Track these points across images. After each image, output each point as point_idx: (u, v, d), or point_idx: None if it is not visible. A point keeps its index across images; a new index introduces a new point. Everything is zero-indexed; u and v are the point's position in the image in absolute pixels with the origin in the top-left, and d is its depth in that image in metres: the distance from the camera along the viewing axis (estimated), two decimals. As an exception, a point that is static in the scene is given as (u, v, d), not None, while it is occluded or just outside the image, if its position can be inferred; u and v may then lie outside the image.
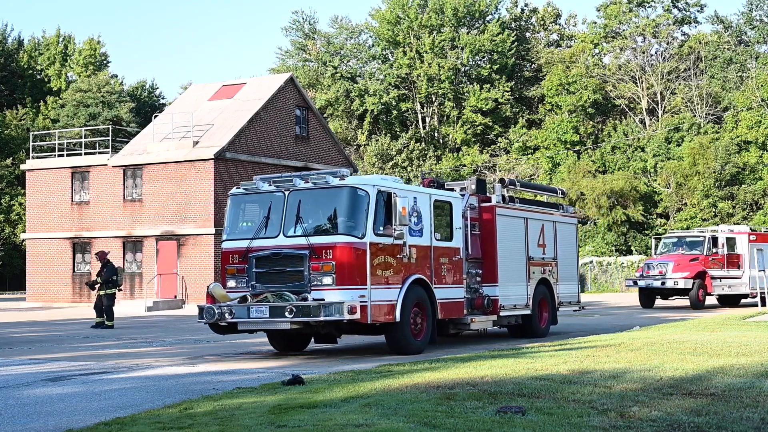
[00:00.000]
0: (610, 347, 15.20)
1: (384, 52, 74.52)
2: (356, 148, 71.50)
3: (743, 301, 36.44)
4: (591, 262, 56.02)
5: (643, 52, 69.11)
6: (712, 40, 68.30)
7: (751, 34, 68.51)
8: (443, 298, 16.73)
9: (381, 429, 7.91)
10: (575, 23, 78.83)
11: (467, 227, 18.03)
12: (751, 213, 59.97)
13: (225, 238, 16.34)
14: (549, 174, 66.03)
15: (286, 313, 14.69)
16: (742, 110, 61.95)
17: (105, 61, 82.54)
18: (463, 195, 18.33)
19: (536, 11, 77.06)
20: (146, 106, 76.88)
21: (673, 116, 66.22)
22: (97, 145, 56.84)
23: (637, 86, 67.96)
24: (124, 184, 41.10)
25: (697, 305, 32.59)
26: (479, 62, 72.35)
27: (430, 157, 65.85)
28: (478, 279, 18.35)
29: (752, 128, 61.14)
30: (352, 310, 14.70)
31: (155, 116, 45.95)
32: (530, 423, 8.05)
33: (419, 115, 73.29)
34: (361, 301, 14.90)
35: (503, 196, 19.55)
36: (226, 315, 15.29)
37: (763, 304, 32.34)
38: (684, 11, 70.83)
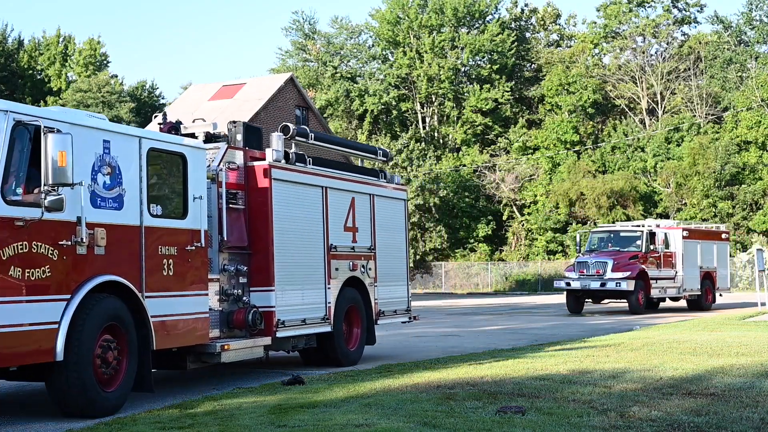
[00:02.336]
0: (610, 347, 15.21)
1: (384, 52, 74.49)
2: (356, 148, 71.39)
3: (662, 305, 33.96)
4: (591, 262, 55.97)
5: (643, 52, 69.11)
6: (712, 40, 68.29)
7: (751, 34, 68.50)
8: (164, 314, 10.33)
9: (381, 429, 7.91)
10: (575, 23, 78.83)
11: (223, 198, 11.83)
12: (751, 213, 59.98)
13: None
14: (549, 174, 66.05)
15: None
16: (742, 110, 61.94)
17: (105, 61, 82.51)
18: (216, 146, 12.43)
19: (536, 11, 77.04)
20: (146, 106, 76.87)
21: (673, 116, 66.22)
22: (97, 145, 56.77)
23: (637, 86, 67.96)
24: (124, 184, 41.05)
25: (637, 309, 29.83)
26: (479, 62, 72.33)
27: (430, 157, 65.85)
28: (242, 281, 12.16)
29: (752, 128, 61.13)
30: None
31: (155, 116, 45.91)
32: (530, 423, 8.05)
33: (419, 115, 73.27)
34: None
35: (287, 153, 13.14)
36: None
37: (700, 308, 31.96)
38: (684, 11, 70.83)
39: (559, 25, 78.12)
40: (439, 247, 65.12)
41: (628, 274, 29.41)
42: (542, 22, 77.21)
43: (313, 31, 77.41)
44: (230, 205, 12.03)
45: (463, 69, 72.23)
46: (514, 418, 8.28)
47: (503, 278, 61.64)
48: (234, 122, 12.55)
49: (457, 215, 67.44)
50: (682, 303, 34.09)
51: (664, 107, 67.28)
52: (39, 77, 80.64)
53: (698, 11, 71.04)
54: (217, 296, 11.70)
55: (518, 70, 74.21)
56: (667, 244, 31.28)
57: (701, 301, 32.74)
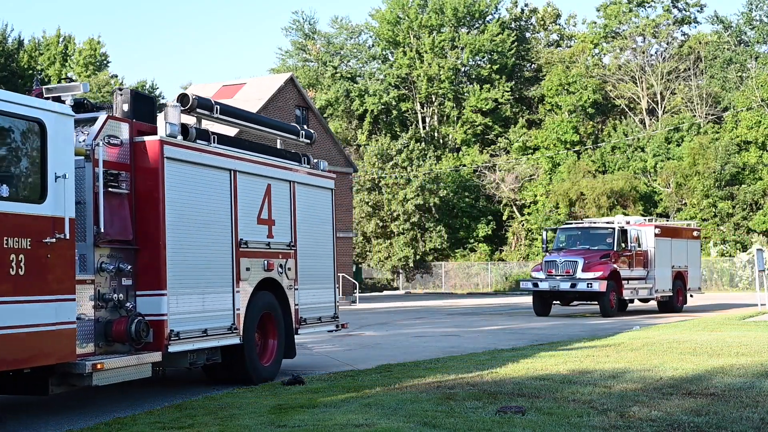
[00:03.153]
0: (610, 347, 15.21)
1: (384, 52, 74.51)
2: (356, 148, 71.47)
3: (631, 306, 32.47)
4: (591, 262, 55.98)
5: (643, 52, 69.12)
6: (712, 40, 68.30)
7: (751, 34, 68.50)
8: (4, 325, 8.17)
9: (381, 429, 7.91)
10: (575, 23, 78.85)
11: (101, 180, 9.69)
12: (751, 213, 59.98)
13: None
14: (549, 174, 66.06)
15: None
16: (742, 110, 61.94)
17: (105, 61, 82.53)
18: (93, 116, 10.32)
19: (536, 11, 77.05)
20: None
21: (673, 116, 66.23)
22: (97, 145, 56.82)
23: (637, 86, 67.97)
24: (124, 184, 41.04)
25: (609, 312, 27.94)
26: (479, 62, 72.34)
27: (430, 157, 65.87)
28: (126, 283, 10.03)
29: (752, 128, 61.14)
30: None
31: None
32: (530, 423, 8.05)
33: (419, 115, 73.28)
34: None
35: (185, 127, 11.13)
36: None
37: (672, 309, 30.60)
38: (684, 11, 70.83)
39: (559, 25, 78.13)
40: (439, 247, 65.12)
41: (599, 274, 27.67)
42: (542, 22, 77.21)
43: (313, 31, 77.43)
44: (110, 189, 9.78)
45: (463, 69, 72.24)
46: (514, 418, 8.28)
47: (503, 278, 61.64)
48: (120, 88, 10.55)
49: (457, 215, 67.44)
50: (652, 304, 32.62)
51: (664, 107, 67.28)
52: (39, 77, 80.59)
53: (698, 11, 71.13)
54: (92, 302, 9.48)
55: (518, 70, 74.21)
56: (639, 243, 29.69)
57: (673, 303, 31.14)
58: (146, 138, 10.33)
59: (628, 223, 30.79)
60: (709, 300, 38.59)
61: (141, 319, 9.81)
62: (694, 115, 65.50)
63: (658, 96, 67.22)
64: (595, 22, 72.00)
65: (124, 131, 10.20)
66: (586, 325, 24.52)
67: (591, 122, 68.40)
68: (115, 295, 9.80)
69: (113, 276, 9.81)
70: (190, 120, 11.63)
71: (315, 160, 14.14)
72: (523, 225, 66.32)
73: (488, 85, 70.07)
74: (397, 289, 64.61)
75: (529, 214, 65.64)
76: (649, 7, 70.02)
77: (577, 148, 66.28)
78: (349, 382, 11.22)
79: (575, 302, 29.59)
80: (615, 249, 28.63)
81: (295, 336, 12.98)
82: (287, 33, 78.37)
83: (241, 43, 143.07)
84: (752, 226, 58.80)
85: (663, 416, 8.38)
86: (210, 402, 9.94)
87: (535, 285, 28.75)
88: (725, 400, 9.21)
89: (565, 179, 62.84)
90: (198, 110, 11.64)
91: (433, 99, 72.15)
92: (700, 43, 68.33)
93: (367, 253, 65.73)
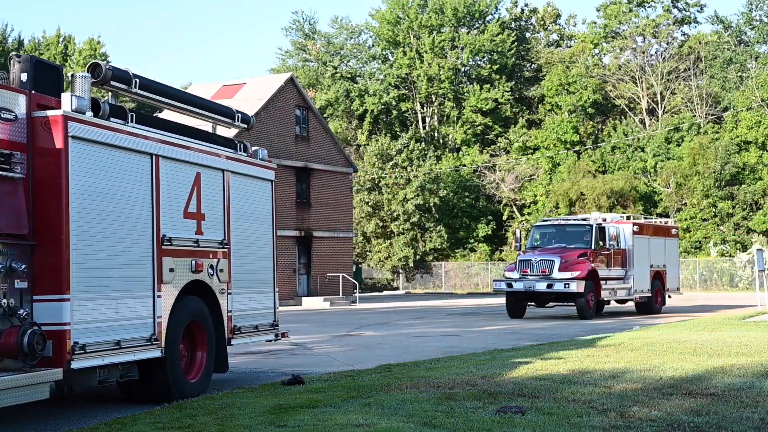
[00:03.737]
0: (610, 347, 15.20)
1: (384, 52, 74.52)
2: (356, 148, 71.50)
3: (607, 308, 30.69)
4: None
5: (643, 52, 69.12)
6: (712, 40, 68.32)
7: (751, 34, 68.52)
8: None
9: (381, 429, 7.91)
10: (575, 23, 78.90)
11: None
12: (751, 213, 59.99)
13: None
14: (549, 174, 66.07)
15: None
16: (742, 110, 61.95)
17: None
18: None
19: (536, 11, 77.07)
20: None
21: (673, 116, 66.24)
22: (97, 145, 56.82)
23: (637, 86, 67.98)
24: (123, 184, 41.05)
25: (587, 314, 26.53)
26: (479, 62, 72.36)
27: (430, 157, 65.89)
28: (19, 285, 8.51)
29: (752, 128, 61.15)
30: None
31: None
32: (530, 423, 8.05)
33: (419, 115, 73.29)
34: None
35: (96, 103, 9.65)
36: None
37: (650, 311, 29.60)
38: (684, 11, 70.84)
39: (559, 25, 78.15)
40: (439, 247, 65.13)
41: (577, 273, 26.20)
42: (542, 22, 77.22)
43: (313, 31, 77.44)
44: (0, 173, 8.28)
45: (463, 69, 72.25)
46: (514, 418, 8.28)
47: (503, 278, 61.61)
48: (18, 54, 9.11)
49: (457, 215, 67.45)
50: (629, 306, 31.43)
51: (664, 107, 67.29)
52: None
53: (698, 11, 71.13)
54: None
55: (518, 70, 74.22)
56: (617, 241, 28.24)
57: (651, 304, 29.91)
58: (48, 113, 8.71)
59: (605, 220, 29.28)
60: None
61: (36, 329, 8.14)
62: (694, 115, 65.51)
63: (658, 96, 67.23)
64: (595, 22, 72.03)
65: (19, 104, 8.57)
66: (587, 325, 24.51)
67: (591, 122, 68.41)
68: (5, 300, 8.17)
69: (3, 277, 8.21)
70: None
71: (254, 148, 12.62)
72: (523, 225, 66.34)
73: (488, 85, 70.08)
74: (397, 289, 64.63)
75: (529, 214, 65.65)
76: (649, 7, 70.03)
77: (577, 148, 66.29)
78: (349, 382, 11.21)
79: (551, 303, 27.95)
80: (593, 247, 27.24)
81: (229, 347, 11.48)
82: (287, 33, 78.46)
83: (241, 43, 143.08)
84: (752, 226, 58.81)
85: (663, 416, 8.38)
86: (210, 402, 9.94)
87: (509, 285, 27.22)
88: (725, 400, 9.21)
89: (565, 179, 62.85)
90: (113, 83, 10.10)
91: (433, 99, 72.16)
92: (700, 43, 68.34)
93: (367, 253, 65.75)
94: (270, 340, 13.01)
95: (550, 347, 16.02)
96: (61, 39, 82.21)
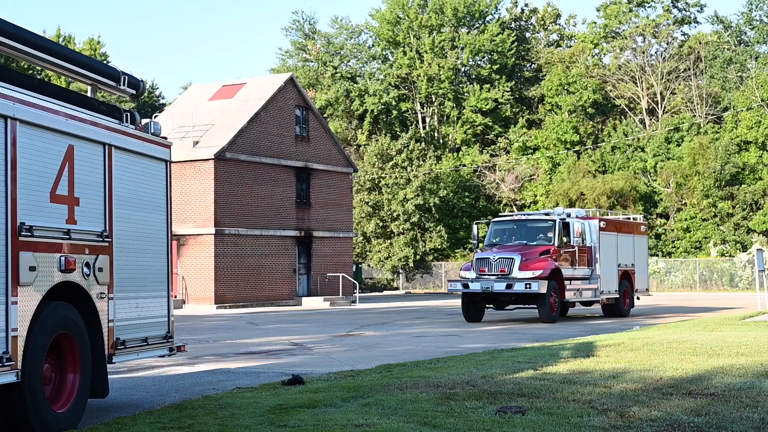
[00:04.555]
0: (610, 347, 15.20)
1: (384, 52, 74.51)
2: (356, 148, 71.50)
3: (571, 310, 29.38)
4: (591, 262, 55.98)
5: (643, 52, 69.12)
6: (712, 40, 68.32)
7: (751, 34, 68.52)
8: None
9: (381, 429, 7.91)
10: (575, 23, 78.88)
11: None
12: (751, 213, 59.99)
13: None
14: (549, 174, 66.07)
15: None
16: (742, 110, 61.95)
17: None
18: None
19: (536, 11, 77.07)
20: (146, 106, 76.89)
21: (673, 116, 66.24)
22: (97, 145, 56.81)
23: (637, 86, 67.97)
24: (123, 184, 41.05)
25: (549, 317, 24.52)
26: (479, 62, 72.36)
27: (430, 157, 65.88)
28: None
29: (752, 128, 61.16)
30: None
31: (155, 116, 45.97)
32: (530, 423, 8.05)
33: (419, 115, 73.29)
34: None
35: None
36: None
37: (614, 313, 28.08)
38: (684, 11, 70.83)
39: (559, 25, 78.14)
40: (439, 247, 65.11)
41: (539, 272, 24.13)
42: (542, 22, 77.22)
43: (313, 31, 77.41)
44: None
45: (463, 69, 72.24)
46: (514, 418, 8.28)
47: (503, 278, 61.62)
48: None
49: (457, 215, 67.44)
50: (596, 308, 29.80)
51: (664, 107, 67.29)
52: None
53: (698, 11, 71.10)
54: None
55: (518, 70, 74.22)
56: (583, 237, 26.23)
57: (619, 306, 28.11)
58: None
59: (569, 215, 26.88)
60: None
61: None
62: (694, 115, 65.51)
63: (658, 96, 67.22)
64: (595, 22, 72.02)
65: None
66: (587, 325, 24.52)
67: (591, 122, 68.40)
68: None
69: None
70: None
71: (145, 121, 10.33)
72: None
73: (488, 85, 70.07)
74: (397, 289, 64.62)
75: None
76: (649, 7, 70.02)
77: (577, 148, 66.29)
78: (349, 382, 11.21)
79: (512, 306, 25.80)
80: (556, 244, 25.17)
81: (109, 365, 9.17)
82: (287, 33, 78.43)
83: (241, 43, 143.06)
84: (752, 226, 58.82)
85: (663, 416, 8.38)
86: (210, 402, 9.94)
87: (465, 286, 24.93)
88: (725, 400, 9.21)
89: (565, 179, 62.85)
90: None
91: (433, 99, 72.15)
92: (700, 43, 68.34)
93: (367, 253, 65.75)
94: (163, 356, 10.39)
95: (550, 347, 16.02)
96: (61, 39, 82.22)
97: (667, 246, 61.50)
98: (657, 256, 59.56)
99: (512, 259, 24.49)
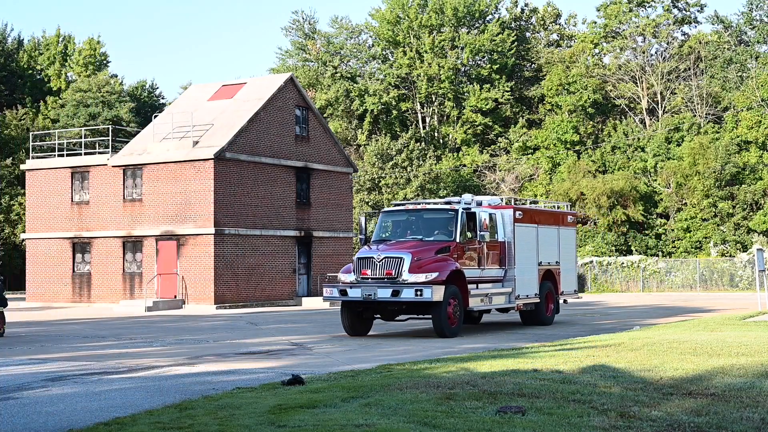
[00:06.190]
0: (610, 347, 15.20)
1: (384, 52, 74.51)
2: (356, 148, 71.49)
3: (486, 318, 26.00)
4: (591, 262, 56.02)
5: (643, 52, 69.11)
6: (712, 40, 68.31)
7: (751, 34, 68.50)
8: None
9: (381, 429, 7.90)
10: (575, 23, 78.86)
11: None
12: (751, 213, 59.99)
13: None
14: (549, 174, 66.07)
15: None
16: (742, 110, 61.94)
17: (105, 61, 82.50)
18: None
19: (536, 11, 77.05)
20: (146, 106, 76.86)
21: (673, 116, 66.23)
22: (97, 145, 56.82)
23: (637, 86, 67.97)
24: (123, 184, 41.08)
25: (447, 329, 20.01)
26: (479, 62, 72.35)
27: (430, 157, 65.86)
28: None
29: (752, 128, 61.15)
30: None
31: (155, 116, 45.96)
32: (530, 423, 8.05)
33: (419, 115, 73.29)
34: None
35: None
36: None
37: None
38: (684, 11, 70.82)
39: (559, 25, 78.13)
40: (439, 247, 65.02)
41: (434, 275, 19.56)
42: (542, 22, 77.21)
43: (313, 31, 77.41)
44: None
45: (463, 69, 72.23)
46: (514, 418, 8.28)
47: (503, 278, 61.56)
48: None
49: (457, 215, 67.37)
50: (514, 315, 26.36)
51: (664, 107, 67.29)
52: (39, 77, 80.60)
53: (698, 11, 71.06)
54: None
55: (518, 70, 74.22)
56: (493, 231, 21.88)
57: (540, 312, 23.96)
58: None
59: (479, 204, 22.32)
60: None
61: None
62: (694, 115, 65.50)
63: (658, 96, 67.22)
64: (595, 22, 71.99)
65: None
66: (587, 325, 24.50)
67: (591, 122, 68.40)
68: None
69: None
70: None
71: None
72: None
73: (488, 85, 70.07)
74: (397, 289, 64.48)
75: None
76: (649, 7, 70.00)
77: (577, 148, 66.28)
78: (349, 382, 11.21)
79: (403, 316, 21.32)
80: (458, 240, 20.64)
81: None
82: (287, 33, 78.36)
83: (241, 43, 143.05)
84: (752, 226, 58.81)
85: (663, 416, 8.37)
86: (210, 402, 9.93)
87: (343, 293, 20.22)
88: (725, 400, 9.20)
89: (565, 179, 62.85)
90: None
91: (433, 99, 72.14)
92: (700, 43, 68.33)
93: (367, 253, 65.64)
94: None
95: (549, 347, 16.02)
96: (60, 39, 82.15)
97: (667, 246, 61.51)
98: (657, 256, 59.57)
99: (401, 258, 19.76)
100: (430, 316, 20.28)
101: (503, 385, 10.41)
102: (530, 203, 29.17)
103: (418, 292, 19.29)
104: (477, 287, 21.27)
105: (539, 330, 22.63)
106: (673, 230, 61.78)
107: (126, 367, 14.46)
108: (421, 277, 19.49)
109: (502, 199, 24.41)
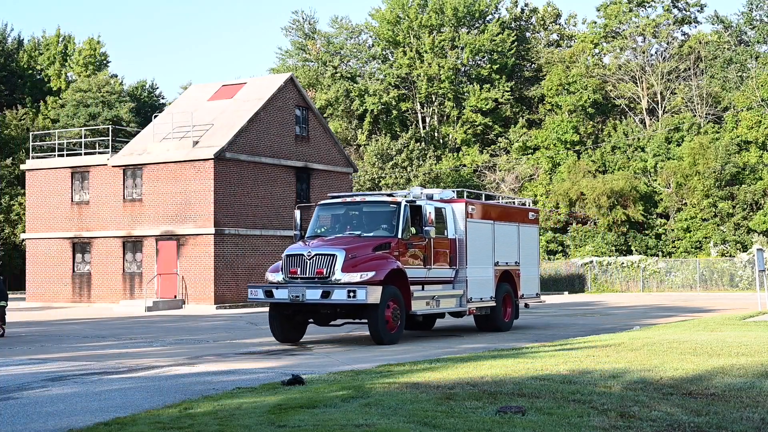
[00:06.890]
0: (610, 347, 15.20)
1: (384, 52, 74.50)
2: (356, 148, 71.48)
3: (440, 322, 24.16)
4: (591, 262, 56.01)
5: (643, 52, 69.11)
6: (712, 40, 68.31)
7: (751, 34, 68.49)
8: None
9: (381, 429, 7.90)
10: (575, 23, 78.85)
11: None
12: (751, 213, 59.99)
13: None
14: (549, 174, 66.06)
15: None
16: (742, 110, 61.94)
17: (105, 61, 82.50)
18: None
19: (536, 11, 77.04)
20: (146, 106, 76.85)
21: (673, 116, 66.23)
22: (97, 145, 56.81)
23: (637, 86, 67.96)
24: (123, 184, 41.09)
25: (386, 336, 18.19)
26: (479, 62, 72.35)
27: (430, 157, 65.84)
28: None
29: (752, 128, 61.15)
30: None
31: (155, 116, 45.96)
32: (530, 423, 8.05)
33: (419, 115, 73.28)
34: None
35: None
36: None
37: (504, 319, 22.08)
38: (684, 11, 70.81)
39: (559, 25, 78.12)
40: (439, 247, 65.00)
41: (370, 275, 17.74)
42: (542, 22, 77.21)
43: (313, 31, 77.41)
44: None
45: (463, 69, 72.23)
46: (514, 418, 8.28)
47: (503, 278, 61.52)
48: None
49: (457, 215, 67.34)
50: (468, 320, 24.39)
51: (664, 107, 67.28)
52: (39, 77, 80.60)
53: (698, 11, 71.07)
54: None
55: (518, 70, 74.21)
56: (441, 226, 20.07)
57: (496, 317, 22.00)
58: None
59: (430, 198, 20.65)
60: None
61: None
62: (694, 115, 65.49)
63: (658, 96, 67.22)
64: (595, 22, 71.99)
65: None
66: (587, 325, 24.49)
67: (591, 122, 68.39)
68: None
69: None
70: None
71: None
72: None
73: (488, 85, 70.07)
74: (397, 289, 64.46)
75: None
76: (649, 7, 70.00)
77: (577, 148, 66.28)
78: (349, 382, 11.20)
79: (339, 321, 19.54)
80: (400, 236, 18.72)
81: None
82: (287, 33, 78.36)
83: (241, 43, 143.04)
84: (752, 226, 58.81)
85: (663, 416, 8.37)
86: (210, 402, 9.93)
87: (269, 294, 18.45)
88: (725, 400, 9.20)
89: (565, 179, 62.83)
90: None
91: (433, 99, 72.14)
92: (700, 43, 68.32)
93: (367, 253, 65.63)
94: None
95: (550, 347, 16.02)
96: (60, 39, 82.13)
97: (667, 246, 61.51)
98: (657, 256, 59.58)
99: (333, 256, 17.90)
100: (366, 322, 18.39)
101: (503, 385, 10.41)
102: (485, 197, 27.26)
103: (351, 294, 17.42)
104: (422, 289, 19.38)
105: (539, 330, 22.62)
106: (673, 230, 61.79)
107: (126, 367, 14.46)
108: (355, 277, 17.65)
109: (454, 192, 22.35)
